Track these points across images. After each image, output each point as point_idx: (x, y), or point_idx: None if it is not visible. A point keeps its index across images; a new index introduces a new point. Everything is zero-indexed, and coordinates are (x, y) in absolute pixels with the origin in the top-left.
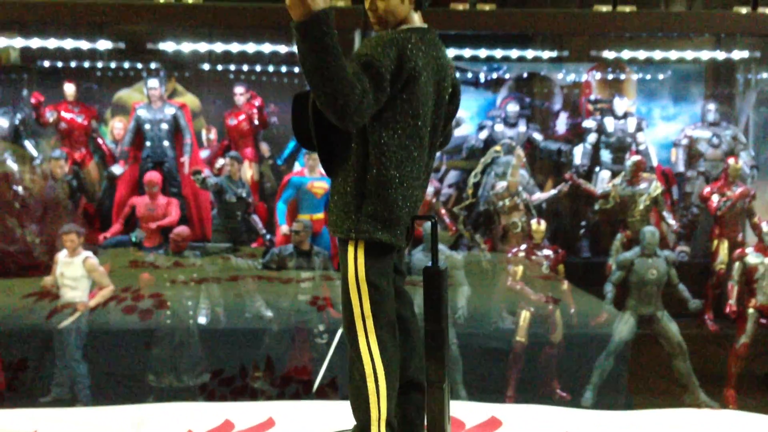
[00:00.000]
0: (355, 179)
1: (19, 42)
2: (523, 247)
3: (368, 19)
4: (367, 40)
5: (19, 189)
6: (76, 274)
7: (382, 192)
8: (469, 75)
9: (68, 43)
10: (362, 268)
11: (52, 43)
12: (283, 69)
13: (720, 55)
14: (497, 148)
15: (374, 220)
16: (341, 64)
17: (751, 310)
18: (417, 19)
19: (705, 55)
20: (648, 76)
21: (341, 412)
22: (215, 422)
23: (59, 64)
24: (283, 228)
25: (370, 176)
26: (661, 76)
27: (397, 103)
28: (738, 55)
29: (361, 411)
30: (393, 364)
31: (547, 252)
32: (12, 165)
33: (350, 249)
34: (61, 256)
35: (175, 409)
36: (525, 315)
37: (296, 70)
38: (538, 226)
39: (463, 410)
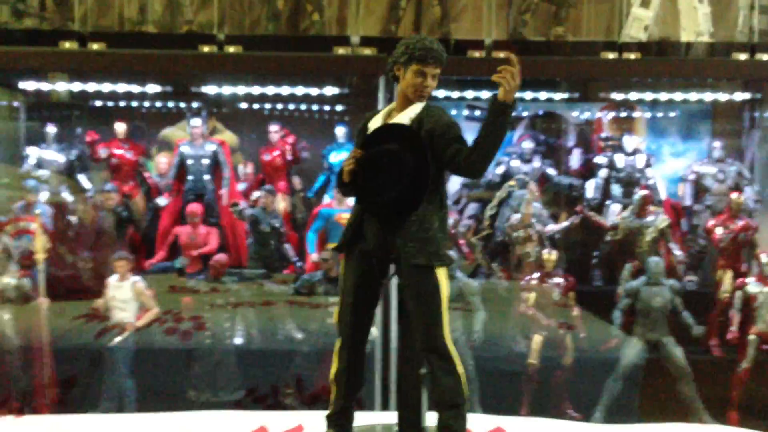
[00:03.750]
0: (437, 220)
1: (77, 85)
2: (536, 275)
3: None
4: (441, 110)
5: (73, 219)
6: (126, 297)
7: (446, 227)
8: None
9: (120, 87)
10: (448, 286)
11: (106, 87)
12: (314, 108)
13: (723, 96)
14: (512, 182)
15: (446, 248)
16: None
17: (752, 337)
18: None
19: (708, 96)
20: (659, 114)
21: (364, 420)
22: (251, 427)
23: (110, 104)
24: (313, 256)
25: (444, 216)
26: (671, 115)
27: None
28: (740, 96)
29: (459, 394)
30: None
31: (559, 280)
32: (67, 197)
33: (440, 273)
34: (112, 280)
35: (216, 416)
36: (537, 339)
37: (326, 108)
38: (549, 255)
39: (470, 421)
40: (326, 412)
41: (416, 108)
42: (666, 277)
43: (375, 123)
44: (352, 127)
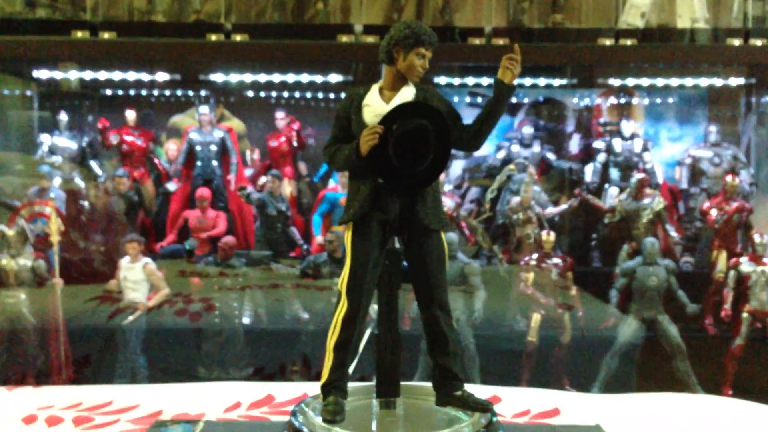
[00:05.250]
0: (439, 189)
1: (88, 74)
2: (535, 255)
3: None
4: (435, 90)
5: (85, 204)
6: (137, 278)
7: None
8: None
9: (130, 75)
10: None
11: (116, 75)
12: (320, 96)
13: (719, 81)
14: (511, 166)
15: None
16: None
17: (745, 315)
18: None
19: (705, 81)
20: (658, 100)
21: (367, 390)
22: (259, 396)
23: (120, 92)
24: (318, 238)
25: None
26: (670, 100)
27: None
28: (735, 81)
29: (459, 344)
30: None
31: (557, 260)
32: (79, 183)
33: (443, 236)
34: (124, 261)
35: (225, 386)
36: (536, 317)
37: (331, 96)
38: (548, 236)
39: (468, 390)
40: (321, 382)
41: (411, 88)
42: (663, 257)
43: (373, 101)
44: None
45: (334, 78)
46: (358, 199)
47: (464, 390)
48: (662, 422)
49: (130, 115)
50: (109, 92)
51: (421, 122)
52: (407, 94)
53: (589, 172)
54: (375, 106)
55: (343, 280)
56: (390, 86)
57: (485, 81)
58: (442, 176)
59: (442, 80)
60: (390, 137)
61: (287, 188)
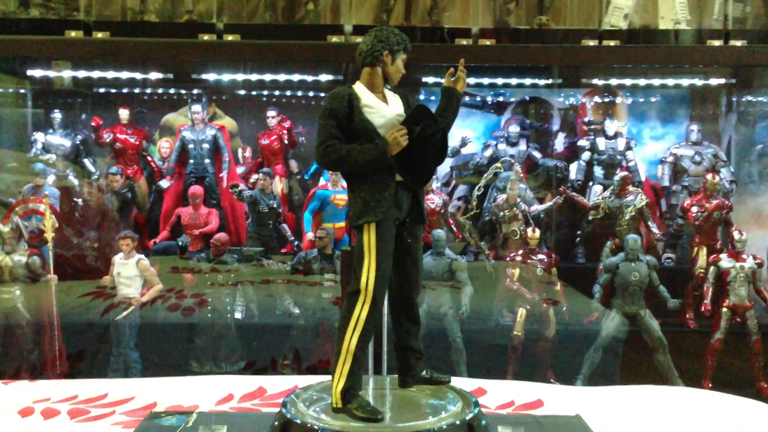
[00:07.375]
0: None
1: (82, 73)
2: (520, 252)
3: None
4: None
5: (79, 201)
6: (131, 274)
7: None
8: (478, 99)
9: (124, 74)
10: None
11: (110, 74)
12: (310, 94)
13: (700, 81)
14: (498, 164)
15: None
16: None
17: (724, 309)
18: None
19: (686, 81)
20: (641, 100)
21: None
22: (251, 388)
23: (113, 91)
24: (309, 235)
25: None
26: (652, 100)
27: None
28: (716, 81)
29: None
30: None
31: (542, 256)
32: (73, 180)
33: None
34: (118, 258)
35: (218, 379)
36: (522, 312)
37: (321, 94)
38: (533, 233)
39: (454, 383)
40: (341, 386)
41: (395, 91)
42: (644, 253)
43: (373, 103)
44: None
45: (324, 77)
46: (382, 198)
47: (427, 368)
48: (641, 413)
49: (124, 113)
50: (102, 91)
51: (441, 125)
52: (394, 96)
53: (574, 170)
54: (378, 108)
55: (368, 279)
56: (373, 88)
57: (472, 80)
58: None
59: (430, 80)
60: (421, 137)
61: (278, 185)
